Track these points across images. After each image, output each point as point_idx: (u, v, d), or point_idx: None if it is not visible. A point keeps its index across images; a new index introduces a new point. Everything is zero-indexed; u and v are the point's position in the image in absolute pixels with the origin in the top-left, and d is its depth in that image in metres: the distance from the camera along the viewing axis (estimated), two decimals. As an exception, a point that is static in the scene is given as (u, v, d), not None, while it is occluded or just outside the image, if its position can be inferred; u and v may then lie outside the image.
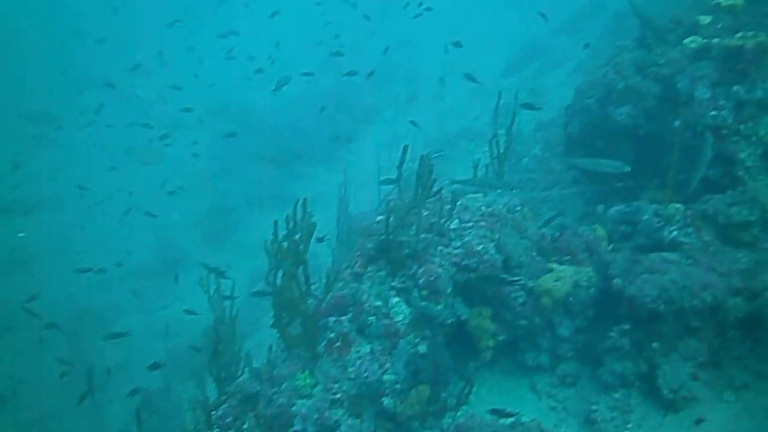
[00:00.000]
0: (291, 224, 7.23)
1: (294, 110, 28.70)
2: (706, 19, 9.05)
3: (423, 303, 7.04)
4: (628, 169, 7.68)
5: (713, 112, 7.78)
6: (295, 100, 29.05)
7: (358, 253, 7.77)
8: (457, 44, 19.11)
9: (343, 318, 7.19)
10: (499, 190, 8.05)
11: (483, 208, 7.98)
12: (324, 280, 7.75)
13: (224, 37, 28.83)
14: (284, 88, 16.18)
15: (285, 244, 7.18)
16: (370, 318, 7.10)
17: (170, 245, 24.08)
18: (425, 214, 7.57)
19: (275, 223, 7.14)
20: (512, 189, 7.94)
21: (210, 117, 29.15)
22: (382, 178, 11.79)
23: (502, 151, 8.97)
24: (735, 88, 7.78)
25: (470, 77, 14.35)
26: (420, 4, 23.61)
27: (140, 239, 24.01)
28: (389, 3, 35.03)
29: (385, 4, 35.82)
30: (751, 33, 8.14)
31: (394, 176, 8.01)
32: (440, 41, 29.04)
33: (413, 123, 17.94)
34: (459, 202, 7.94)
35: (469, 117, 25.60)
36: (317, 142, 27.33)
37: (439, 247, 7.35)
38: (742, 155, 7.73)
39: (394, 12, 32.86)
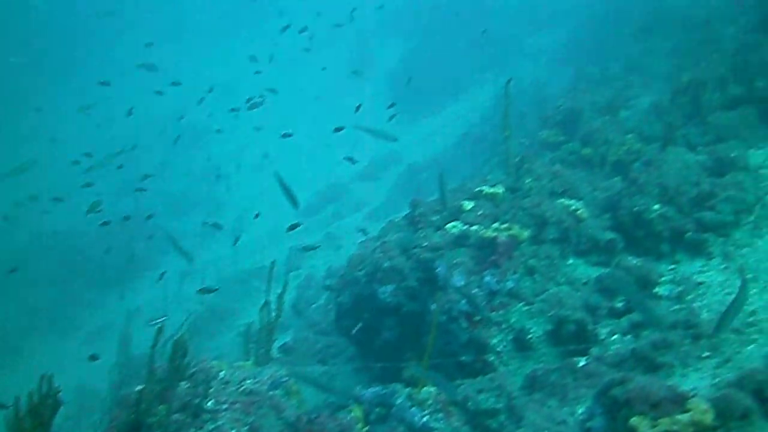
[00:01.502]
0: (34, 399, 6.73)
1: (89, 234, 27.64)
2: (469, 205, 9.71)
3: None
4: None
5: (466, 300, 8.23)
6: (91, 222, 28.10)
7: (112, 425, 7.34)
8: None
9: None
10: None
11: (246, 382, 7.84)
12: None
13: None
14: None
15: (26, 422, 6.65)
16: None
17: None
18: (185, 387, 7.33)
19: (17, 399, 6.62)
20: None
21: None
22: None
23: (273, 318, 8.98)
24: (487, 278, 8.31)
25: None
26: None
27: None
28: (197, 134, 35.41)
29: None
30: (505, 225, 8.82)
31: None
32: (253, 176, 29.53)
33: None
34: (221, 375, 7.77)
35: (267, 255, 25.66)
36: (110, 268, 26.46)
37: (191, 431, 7.09)
38: (494, 341, 8.19)
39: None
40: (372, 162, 29.61)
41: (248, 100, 20.01)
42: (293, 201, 10.55)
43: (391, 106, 20.10)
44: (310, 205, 29.89)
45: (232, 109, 21.55)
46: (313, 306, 17.01)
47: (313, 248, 10.68)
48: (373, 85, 37.09)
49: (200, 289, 11.42)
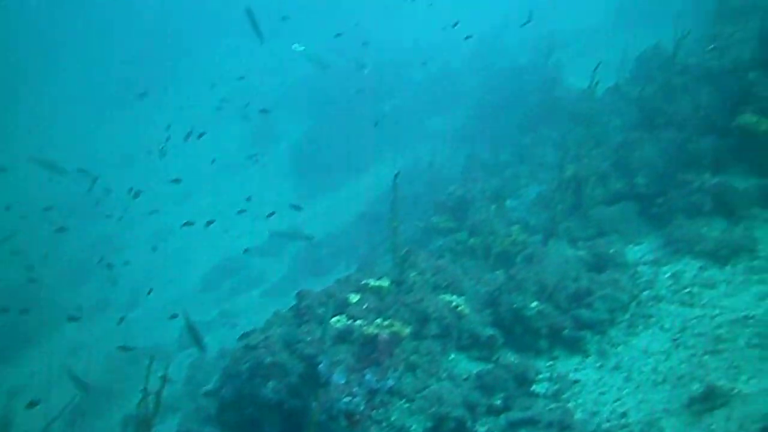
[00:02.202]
0: None
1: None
2: (355, 298, 9.70)
3: None
4: None
5: (347, 398, 8.15)
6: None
7: None
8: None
9: None
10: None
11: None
12: None
13: None
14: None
15: None
16: None
17: None
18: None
19: None
20: None
21: None
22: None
23: (150, 413, 8.66)
24: (368, 376, 8.27)
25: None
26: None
27: None
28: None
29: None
30: (387, 322, 8.83)
31: None
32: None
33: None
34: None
35: (162, 330, 25.14)
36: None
37: None
38: (373, 440, 8.11)
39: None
40: (271, 236, 29.43)
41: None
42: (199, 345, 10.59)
43: (296, 207, 20.28)
44: (206, 279, 29.43)
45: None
46: (203, 390, 16.56)
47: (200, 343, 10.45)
48: (276, 159, 37.26)
49: (74, 381, 11.01)
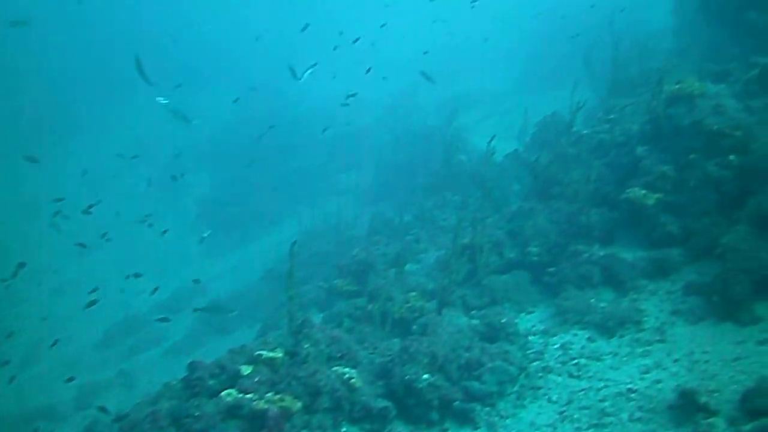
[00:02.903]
0: None
1: None
2: (247, 370, 9.53)
3: None
4: None
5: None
6: None
7: None
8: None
9: None
10: None
11: None
12: None
13: None
14: None
15: None
16: None
17: None
18: None
19: None
20: None
21: None
22: None
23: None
24: (257, 452, 8.13)
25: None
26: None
27: None
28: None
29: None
30: (278, 396, 8.71)
31: None
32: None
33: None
34: None
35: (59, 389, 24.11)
36: None
37: None
38: None
39: None
40: (174, 293, 28.77)
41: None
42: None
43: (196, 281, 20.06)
44: (106, 336, 28.50)
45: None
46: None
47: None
48: (183, 213, 36.71)
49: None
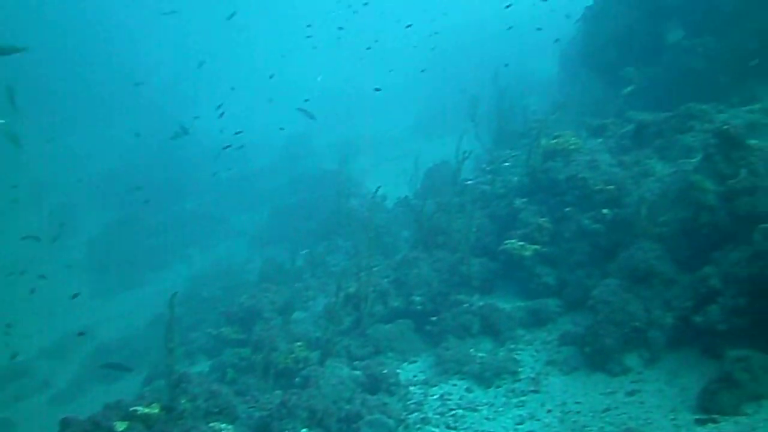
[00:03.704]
0: None
1: None
2: (121, 426, 9.22)
3: None
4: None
5: None
6: None
7: None
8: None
9: None
10: None
11: None
12: None
13: None
14: None
15: None
16: None
17: None
18: None
19: None
20: None
21: None
22: None
23: None
24: None
25: None
26: None
27: None
28: None
29: None
30: (147, 457, 8.45)
31: None
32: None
33: None
34: None
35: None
36: None
37: None
38: None
39: None
40: (61, 338, 27.71)
41: None
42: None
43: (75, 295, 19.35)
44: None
45: None
46: None
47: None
48: (73, 253, 35.49)
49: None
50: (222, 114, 27.83)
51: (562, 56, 21.36)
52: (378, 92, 25.55)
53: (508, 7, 22.48)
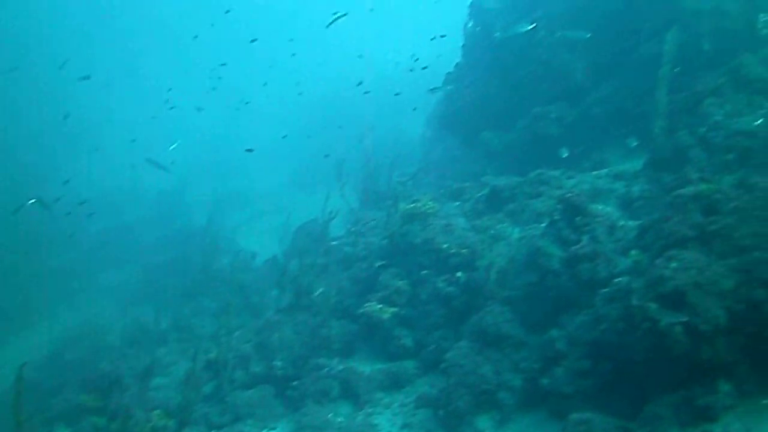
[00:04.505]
0: None
1: None
2: None
3: None
4: None
5: None
6: None
7: None
8: None
9: None
10: None
11: None
12: None
13: None
14: None
15: None
16: None
17: None
18: None
19: None
20: None
21: None
22: None
23: None
24: None
25: None
26: None
27: None
28: None
29: None
30: None
31: None
32: None
33: None
34: None
35: None
36: None
37: None
38: None
39: None
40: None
41: None
42: None
43: None
44: None
45: None
46: None
47: None
48: None
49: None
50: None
51: (428, 118, 21.94)
52: (253, 148, 25.41)
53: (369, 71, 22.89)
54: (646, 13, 14.82)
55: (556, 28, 15.64)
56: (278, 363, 12.56)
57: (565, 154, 14.19)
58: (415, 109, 21.95)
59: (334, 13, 16.39)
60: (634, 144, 13.65)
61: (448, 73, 18.46)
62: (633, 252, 9.80)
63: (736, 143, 11.28)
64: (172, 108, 28.36)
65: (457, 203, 13.98)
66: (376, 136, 22.49)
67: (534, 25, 14.91)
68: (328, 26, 16.90)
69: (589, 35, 13.72)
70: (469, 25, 18.17)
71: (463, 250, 11.84)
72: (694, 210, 9.19)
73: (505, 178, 13.97)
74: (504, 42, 16.60)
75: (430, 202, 13.14)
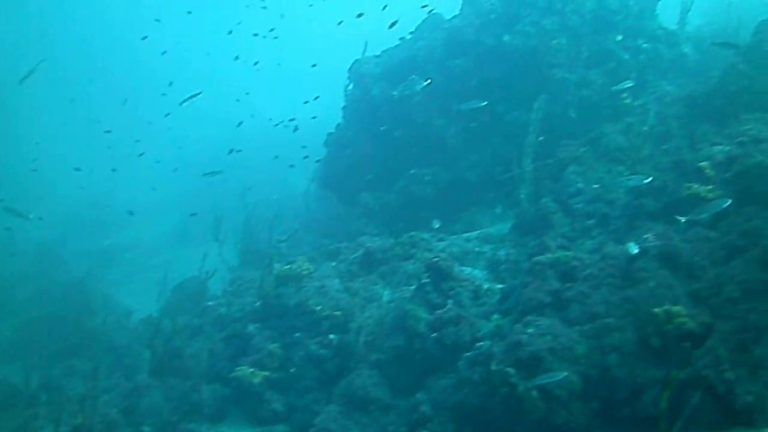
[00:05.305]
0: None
1: None
2: None
3: None
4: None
5: None
6: None
7: None
8: None
9: None
10: None
11: None
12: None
13: None
14: None
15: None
16: None
17: None
18: None
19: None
20: None
21: None
22: None
23: None
24: None
25: None
26: None
27: None
28: None
29: None
30: None
31: None
32: None
33: None
34: None
35: None
36: None
37: None
38: None
39: None
40: None
41: None
42: None
43: None
44: None
45: None
46: None
47: None
48: None
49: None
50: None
51: (312, 175, 22.08)
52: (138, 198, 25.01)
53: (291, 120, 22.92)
54: (519, 81, 15.54)
55: (433, 94, 16.17)
56: (146, 429, 12.24)
57: (437, 225, 14.56)
58: (292, 166, 22.14)
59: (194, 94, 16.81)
60: (499, 211, 14.22)
61: (330, 134, 18.72)
62: (495, 316, 10.16)
63: (595, 210, 11.91)
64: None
65: (333, 264, 14.11)
66: (261, 191, 22.49)
67: (429, 81, 15.34)
68: (181, 104, 17.25)
69: (485, 103, 14.07)
70: (350, 87, 18.52)
71: (336, 312, 11.96)
72: (551, 276, 9.62)
73: (379, 239, 14.23)
74: (382, 104, 17.04)
75: (305, 264, 13.23)
